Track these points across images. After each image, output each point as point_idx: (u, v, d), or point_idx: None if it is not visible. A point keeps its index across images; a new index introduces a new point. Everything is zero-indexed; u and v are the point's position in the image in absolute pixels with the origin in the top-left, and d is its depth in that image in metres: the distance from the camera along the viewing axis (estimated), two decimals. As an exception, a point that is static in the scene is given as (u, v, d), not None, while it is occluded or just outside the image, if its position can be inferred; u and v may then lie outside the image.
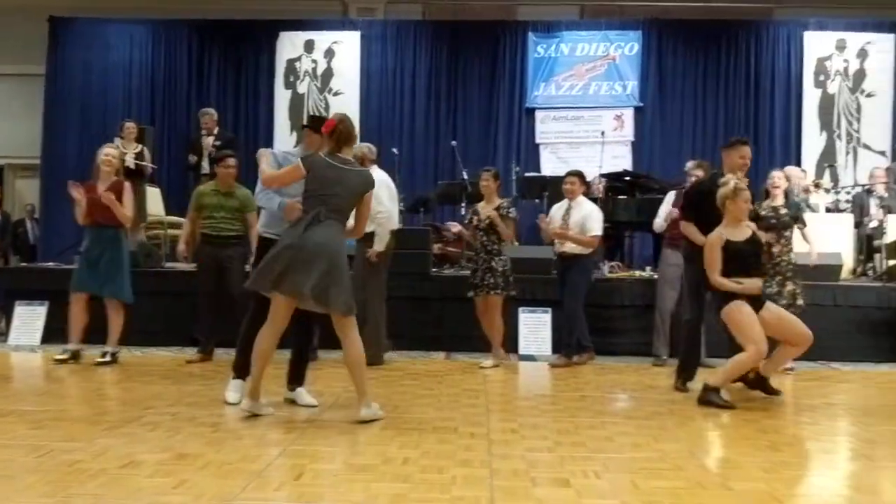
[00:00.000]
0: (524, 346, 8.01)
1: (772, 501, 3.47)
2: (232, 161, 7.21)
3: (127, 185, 7.11)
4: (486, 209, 7.21)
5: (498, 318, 7.23)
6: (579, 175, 7.46)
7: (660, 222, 7.68)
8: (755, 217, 6.11)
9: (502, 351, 7.34)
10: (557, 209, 7.50)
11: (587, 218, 7.21)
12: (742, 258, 5.55)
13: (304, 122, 5.49)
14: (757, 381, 5.88)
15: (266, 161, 5.05)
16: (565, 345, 7.38)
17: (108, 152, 7.11)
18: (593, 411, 5.36)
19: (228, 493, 3.35)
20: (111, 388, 5.79)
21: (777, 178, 7.19)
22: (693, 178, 7.21)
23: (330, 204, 4.70)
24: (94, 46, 13.64)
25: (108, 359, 6.89)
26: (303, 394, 5.29)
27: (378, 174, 6.72)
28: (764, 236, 6.03)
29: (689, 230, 6.01)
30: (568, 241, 7.23)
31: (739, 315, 5.48)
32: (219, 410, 5.05)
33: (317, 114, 6.27)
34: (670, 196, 7.71)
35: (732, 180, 5.66)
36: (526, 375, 7.02)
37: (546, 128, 13.51)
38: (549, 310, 8.05)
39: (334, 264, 4.64)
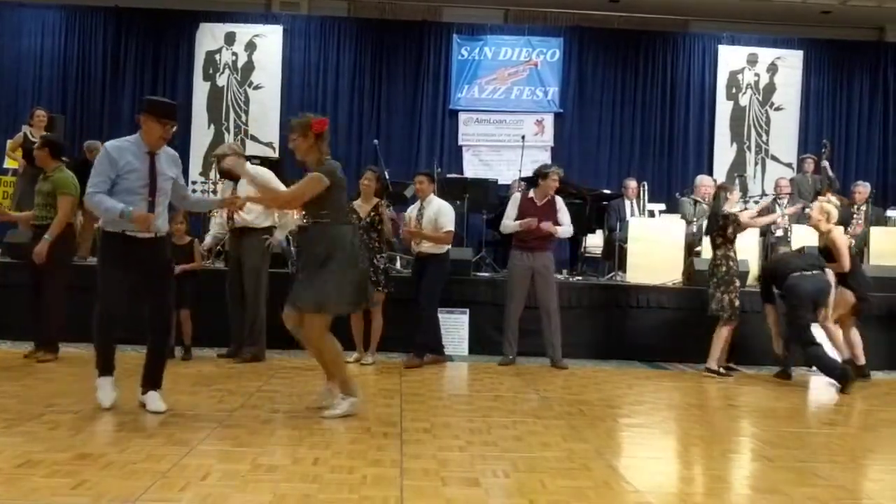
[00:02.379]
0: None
1: (675, 500, 3.57)
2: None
3: None
4: (363, 207, 7.27)
5: (379, 315, 7.27)
6: (427, 175, 7.72)
7: (509, 224, 7.67)
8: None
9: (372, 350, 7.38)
10: (411, 210, 7.68)
11: (438, 214, 7.36)
12: None
13: (143, 106, 4.93)
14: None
15: (244, 169, 4.92)
16: (417, 343, 7.34)
17: None
18: (506, 411, 5.42)
19: (130, 493, 3.27)
20: (11, 385, 5.56)
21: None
22: (554, 179, 7.55)
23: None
24: (4, 32, 13.14)
25: None
26: (154, 398, 4.89)
27: (255, 168, 7.19)
28: None
29: None
30: (424, 239, 7.37)
31: None
32: (125, 409, 4.90)
33: (161, 98, 5.90)
34: (516, 197, 7.85)
35: None
36: (443, 375, 7.04)
37: (469, 130, 13.61)
38: (467, 310, 8.14)
39: None
